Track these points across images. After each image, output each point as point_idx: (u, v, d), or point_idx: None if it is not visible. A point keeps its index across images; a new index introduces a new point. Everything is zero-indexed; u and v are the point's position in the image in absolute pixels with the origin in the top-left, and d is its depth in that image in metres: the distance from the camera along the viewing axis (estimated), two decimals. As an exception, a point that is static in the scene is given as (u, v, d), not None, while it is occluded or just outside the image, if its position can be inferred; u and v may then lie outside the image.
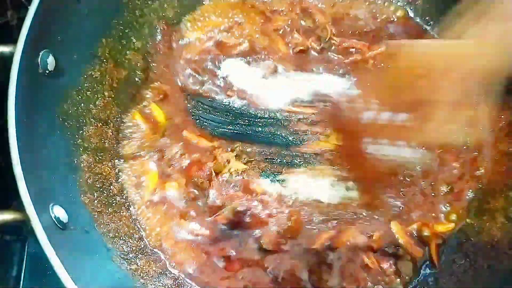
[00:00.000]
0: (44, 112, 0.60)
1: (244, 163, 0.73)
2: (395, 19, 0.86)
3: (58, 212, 0.54)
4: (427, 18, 0.85)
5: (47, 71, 0.59)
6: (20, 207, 0.81)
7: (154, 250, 0.67)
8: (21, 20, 0.83)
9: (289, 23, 0.84)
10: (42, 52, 0.58)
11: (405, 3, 0.86)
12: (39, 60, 0.57)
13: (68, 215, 0.55)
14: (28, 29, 0.55)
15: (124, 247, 0.64)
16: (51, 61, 0.60)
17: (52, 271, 0.73)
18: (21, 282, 0.76)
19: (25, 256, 0.77)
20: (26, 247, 0.78)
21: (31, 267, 0.76)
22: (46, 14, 0.58)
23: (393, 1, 0.87)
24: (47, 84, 0.60)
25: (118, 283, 0.59)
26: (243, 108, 0.78)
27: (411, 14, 0.86)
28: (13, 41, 0.80)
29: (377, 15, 0.86)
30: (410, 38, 0.83)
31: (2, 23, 0.81)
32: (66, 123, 0.64)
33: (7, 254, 0.78)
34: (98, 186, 0.66)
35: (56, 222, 0.53)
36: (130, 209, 0.69)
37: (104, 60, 0.72)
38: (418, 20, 0.86)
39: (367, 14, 0.85)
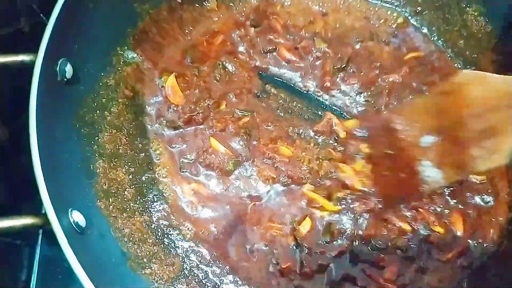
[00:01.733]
0: (62, 118, 0.62)
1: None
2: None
3: (77, 216, 0.55)
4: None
5: (65, 79, 0.61)
6: (31, 212, 0.83)
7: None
8: (34, 27, 0.87)
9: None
10: (61, 60, 0.60)
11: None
12: (57, 69, 0.59)
13: (86, 219, 0.56)
14: (48, 39, 0.57)
15: (138, 251, 0.65)
16: (68, 69, 0.62)
17: (63, 275, 0.77)
18: (31, 285, 0.77)
19: (35, 260, 0.79)
20: (38, 251, 0.79)
21: (42, 271, 0.78)
22: (64, 24, 0.59)
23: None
24: (64, 92, 0.62)
25: (133, 286, 0.60)
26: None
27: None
28: (27, 48, 0.83)
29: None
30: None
31: (15, 30, 0.82)
32: (82, 130, 0.66)
33: (17, 258, 0.80)
34: (113, 191, 0.67)
35: (75, 227, 0.54)
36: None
37: (119, 68, 0.74)
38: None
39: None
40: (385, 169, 0.71)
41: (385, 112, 0.78)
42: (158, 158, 0.76)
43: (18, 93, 0.81)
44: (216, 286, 0.68)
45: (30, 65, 0.58)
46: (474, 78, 0.63)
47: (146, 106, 0.78)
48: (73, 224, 0.54)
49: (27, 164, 0.82)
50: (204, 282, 0.68)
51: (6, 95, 0.80)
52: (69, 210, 0.55)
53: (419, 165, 0.65)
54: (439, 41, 0.86)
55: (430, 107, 0.66)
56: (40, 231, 0.81)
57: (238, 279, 0.69)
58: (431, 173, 0.64)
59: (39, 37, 0.89)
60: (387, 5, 0.88)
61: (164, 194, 0.74)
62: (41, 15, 0.89)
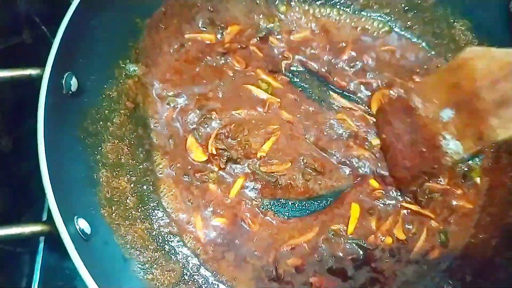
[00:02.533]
0: (67, 130, 0.63)
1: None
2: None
3: (82, 224, 0.57)
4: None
5: (70, 92, 0.63)
6: (31, 219, 0.83)
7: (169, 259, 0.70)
8: (36, 39, 0.88)
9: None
10: (66, 74, 0.62)
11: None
12: (63, 82, 0.61)
13: (91, 227, 0.58)
14: (55, 54, 0.59)
15: (140, 257, 0.66)
16: (74, 83, 0.63)
17: (64, 282, 0.78)
18: None
19: (36, 268, 0.79)
20: (40, 258, 0.80)
21: (43, 278, 0.78)
22: (70, 40, 0.61)
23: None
24: (70, 104, 0.63)
25: None
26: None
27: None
28: (30, 60, 0.84)
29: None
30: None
31: (19, 42, 0.84)
32: (86, 140, 0.67)
33: (17, 265, 0.80)
34: (116, 200, 0.68)
35: (81, 234, 0.55)
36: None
37: (121, 81, 0.75)
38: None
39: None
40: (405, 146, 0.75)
41: (403, 93, 0.80)
42: (160, 172, 0.77)
43: (20, 103, 0.82)
44: None
45: (37, 79, 0.60)
46: (478, 52, 0.66)
47: (148, 119, 0.79)
48: (79, 231, 0.55)
49: (28, 172, 0.83)
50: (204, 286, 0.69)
51: (9, 105, 0.81)
52: (75, 217, 0.56)
53: (441, 139, 0.68)
54: (430, 54, 0.90)
55: (443, 83, 0.69)
56: (42, 239, 0.81)
57: (236, 285, 0.71)
58: (453, 146, 0.67)
59: (41, 49, 0.91)
60: (379, 18, 0.92)
61: (163, 203, 0.75)
62: (43, 27, 0.91)
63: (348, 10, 0.92)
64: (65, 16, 0.62)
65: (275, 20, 0.90)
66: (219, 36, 0.87)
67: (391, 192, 0.78)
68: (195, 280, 0.69)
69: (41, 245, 0.81)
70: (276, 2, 0.90)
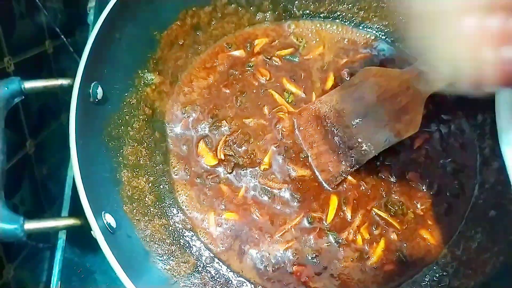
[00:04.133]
0: (94, 134, 0.67)
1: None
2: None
3: (109, 218, 0.60)
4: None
5: (96, 100, 0.66)
6: (52, 216, 0.86)
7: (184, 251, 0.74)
8: (56, 48, 0.94)
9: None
10: (93, 84, 0.65)
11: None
12: (90, 91, 0.65)
13: (116, 221, 0.62)
14: (84, 66, 0.62)
15: (159, 250, 0.69)
16: (99, 91, 0.66)
17: (83, 277, 0.80)
18: (51, 286, 0.79)
19: (57, 262, 0.81)
20: (61, 253, 0.82)
21: (63, 272, 0.81)
22: (96, 53, 0.65)
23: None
24: (95, 111, 0.67)
25: (156, 280, 0.65)
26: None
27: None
28: (51, 70, 0.88)
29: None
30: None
31: (41, 52, 0.89)
32: (109, 144, 0.71)
33: (38, 260, 0.85)
34: (136, 197, 0.72)
35: (108, 228, 0.59)
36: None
37: (140, 89, 0.79)
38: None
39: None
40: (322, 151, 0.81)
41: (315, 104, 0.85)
42: (176, 174, 0.81)
43: (42, 110, 0.88)
44: (228, 281, 0.73)
45: (68, 88, 0.64)
46: (378, 71, 0.77)
47: (165, 124, 0.83)
48: (106, 225, 0.58)
49: (49, 174, 0.88)
50: (216, 278, 0.73)
51: (34, 111, 0.86)
52: (103, 213, 0.59)
53: (356, 141, 0.78)
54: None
55: (349, 96, 0.79)
56: (64, 235, 0.84)
57: (244, 274, 0.75)
58: (365, 147, 0.77)
59: (61, 58, 0.97)
60: (372, 32, 0.96)
61: (178, 201, 0.79)
62: (63, 36, 0.97)
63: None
64: (91, 29, 0.66)
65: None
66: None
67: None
68: (207, 271, 0.73)
69: (61, 241, 0.83)
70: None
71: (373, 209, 0.79)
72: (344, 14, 0.95)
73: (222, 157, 0.81)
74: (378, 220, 0.79)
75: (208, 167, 0.81)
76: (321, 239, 0.77)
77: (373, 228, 0.78)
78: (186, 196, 0.79)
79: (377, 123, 0.76)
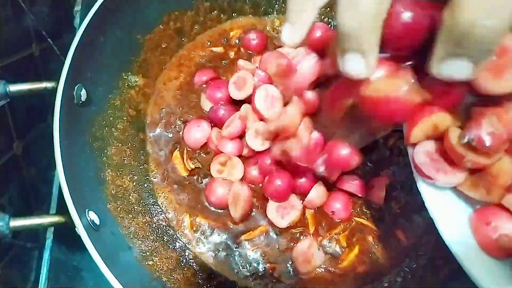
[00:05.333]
0: (78, 135, 0.68)
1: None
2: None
3: (93, 216, 0.62)
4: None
5: (80, 102, 0.68)
6: (39, 214, 0.86)
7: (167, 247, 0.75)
8: (43, 52, 0.94)
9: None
10: (77, 86, 0.66)
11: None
12: (74, 93, 0.66)
13: (99, 219, 0.63)
14: (68, 69, 0.64)
15: (142, 246, 0.70)
16: (83, 93, 0.68)
17: (71, 275, 0.82)
18: (39, 285, 0.82)
19: (45, 262, 0.84)
20: (49, 252, 0.84)
21: (51, 271, 0.83)
22: (80, 56, 0.66)
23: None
24: (79, 113, 0.68)
25: (139, 275, 0.67)
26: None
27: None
28: (38, 73, 0.88)
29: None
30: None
31: (28, 55, 0.88)
32: (94, 144, 0.72)
33: (26, 260, 0.84)
34: (120, 196, 0.73)
35: (92, 225, 0.60)
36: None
37: (124, 91, 0.80)
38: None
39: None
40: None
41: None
42: (154, 177, 0.81)
43: (29, 112, 0.88)
44: (211, 277, 0.73)
45: (52, 91, 0.66)
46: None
47: (146, 128, 0.84)
48: (90, 222, 0.60)
49: (36, 173, 0.88)
50: (198, 273, 0.74)
51: (21, 113, 0.85)
52: (86, 210, 0.61)
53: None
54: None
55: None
56: (50, 235, 0.86)
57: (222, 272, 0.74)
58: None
59: (48, 61, 0.97)
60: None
61: (159, 202, 0.79)
62: (49, 40, 0.98)
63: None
64: (76, 33, 0.67)
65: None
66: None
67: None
68: (190, 266, 0.74)
69: (49, 241, 0.86)
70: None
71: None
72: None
73: (192, 167, 0.81)
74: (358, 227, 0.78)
75: (184, 175, 0.81)
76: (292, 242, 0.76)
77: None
78: (165, 198, 0.80)
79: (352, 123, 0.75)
